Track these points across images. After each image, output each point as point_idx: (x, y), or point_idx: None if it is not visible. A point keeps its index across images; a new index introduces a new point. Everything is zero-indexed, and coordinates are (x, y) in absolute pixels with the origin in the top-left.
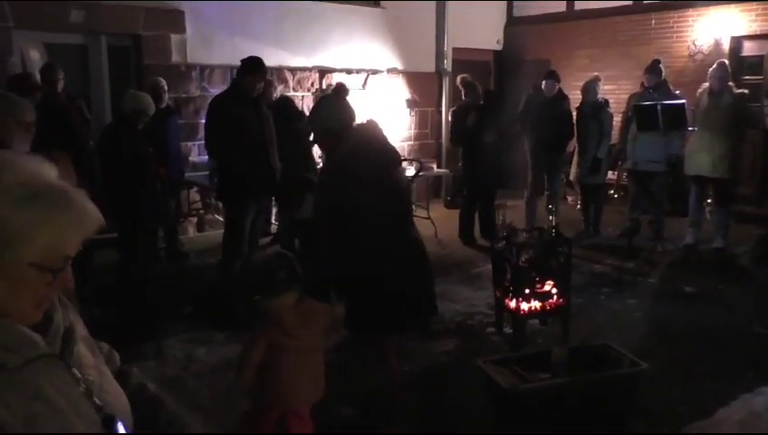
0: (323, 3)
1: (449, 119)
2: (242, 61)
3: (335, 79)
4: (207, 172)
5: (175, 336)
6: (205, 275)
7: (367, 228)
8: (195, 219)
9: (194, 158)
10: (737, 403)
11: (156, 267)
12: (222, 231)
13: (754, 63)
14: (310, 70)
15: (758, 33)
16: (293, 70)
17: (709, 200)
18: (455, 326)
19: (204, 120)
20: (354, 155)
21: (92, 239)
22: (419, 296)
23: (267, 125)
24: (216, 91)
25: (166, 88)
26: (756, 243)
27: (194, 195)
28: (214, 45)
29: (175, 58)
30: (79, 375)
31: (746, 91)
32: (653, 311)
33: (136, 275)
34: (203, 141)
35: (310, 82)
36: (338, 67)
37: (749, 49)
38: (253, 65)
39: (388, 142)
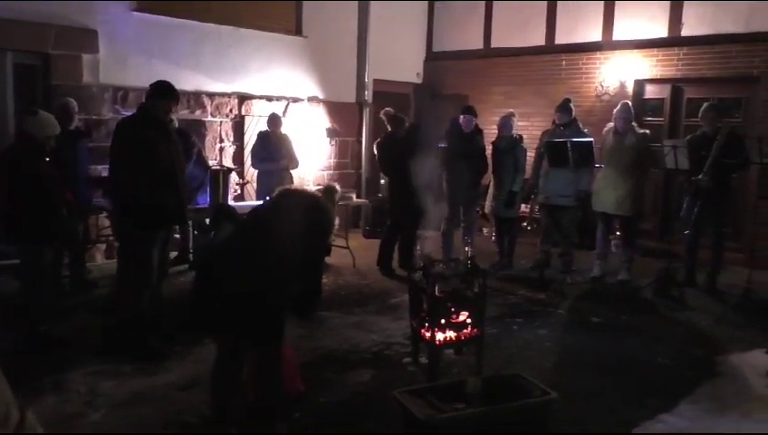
0: (244, 29)
1: (375, 151)
2: (151, 85)
3: (254, 106)
4: None
5: (79, 369)
6: (112, 303)
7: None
8: (103, 246)
9: None
10: (638, 430)
11: (59, 295)
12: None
13: (656, 106)
14: (229, 96)
15: (659, 77)
16: (212, 95)
17: (617, 234)
18: (371, 356)
19: None
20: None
21: None
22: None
23: (176, 152)
24: (129, 113)
25: (76, 109)
26: (657, 276)
27: (103, 220)
28: (128, 67)
29: (86, 79)
30: None
31: (648, 131)
32: (562, 341)
33: (37, 303)
34: None
35: (228, 108)
36: (258, 94)
37: (651, 92)
38: (165, 90)
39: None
